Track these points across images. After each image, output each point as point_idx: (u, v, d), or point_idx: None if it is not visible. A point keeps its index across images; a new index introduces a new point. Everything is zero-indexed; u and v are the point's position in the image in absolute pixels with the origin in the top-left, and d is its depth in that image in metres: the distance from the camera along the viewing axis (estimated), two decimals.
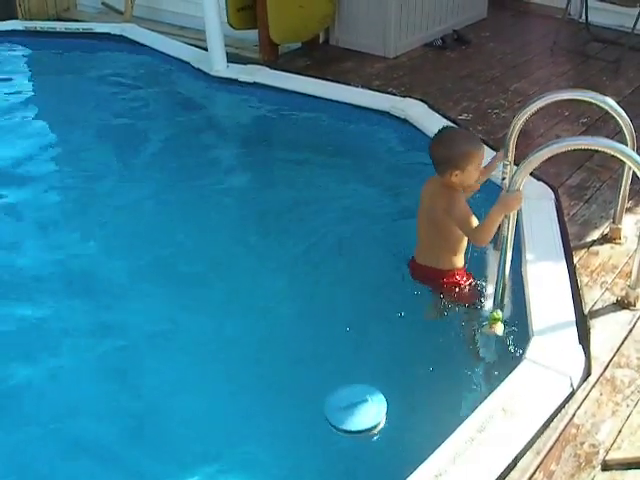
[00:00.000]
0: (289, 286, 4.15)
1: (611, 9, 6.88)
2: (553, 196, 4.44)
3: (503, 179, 3.87)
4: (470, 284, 3.84)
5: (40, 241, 4.56)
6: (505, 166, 3.84)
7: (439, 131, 3.73)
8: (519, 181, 3.23)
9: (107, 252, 4.41)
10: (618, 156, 3.32)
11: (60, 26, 7.81)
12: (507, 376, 3.06)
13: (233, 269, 4.27)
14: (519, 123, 3.72)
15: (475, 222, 3.51)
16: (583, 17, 7.34)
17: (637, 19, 6.46)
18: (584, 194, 4.53)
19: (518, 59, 6.88)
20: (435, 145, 3.66)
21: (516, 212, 3.34)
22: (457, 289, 3.81)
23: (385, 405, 3.23)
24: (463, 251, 3.82)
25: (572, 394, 3.03)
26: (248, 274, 4.22)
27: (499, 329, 3.47)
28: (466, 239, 3.71)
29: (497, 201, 3.33)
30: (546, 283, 3.63)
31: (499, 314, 3.49)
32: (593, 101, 3.73)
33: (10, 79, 6.95)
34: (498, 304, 3.53)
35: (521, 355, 3.18)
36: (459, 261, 3.82)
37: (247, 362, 3.62)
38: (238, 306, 3.98)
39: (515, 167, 3.49)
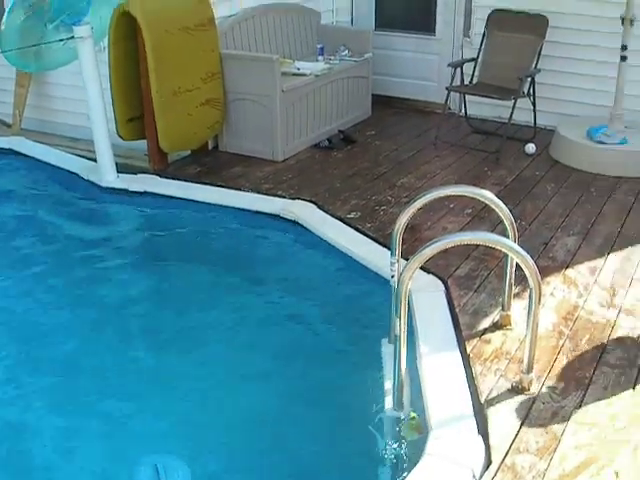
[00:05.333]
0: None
1: (488, 102, 7.21)
2: (443, 287, 4.54)
3: (392, 276, 3.91)
4: None
5: None
6: (393, 264, 3.90)
7: None
8: (407, 279, 3.30)
9: None
10: (498, 247, 3.44)
11: None
12: (408, 473, 3.06)
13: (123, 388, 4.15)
14: (404, 220, 3.81)
15: None
16: (463, 111, 7.71)
17: (512, 111, 6.83)
18: (473, 283, 4.64)
19: (403, 155, 7.05)
20: None
21: (406, 307, 3.39)
22: None
23: None
24: None
25: None
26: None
27: (421, 429, 3.48)
28: None
29: None
30: (441, 375, 3.68)
31: (416, 416, 3.51)
32: (473, 196, 3.87)
33: None
34: (397, 401, 3.56)
35: (421, 450, 3.18)
36: None
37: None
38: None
39: (403, 261, 3.57)
